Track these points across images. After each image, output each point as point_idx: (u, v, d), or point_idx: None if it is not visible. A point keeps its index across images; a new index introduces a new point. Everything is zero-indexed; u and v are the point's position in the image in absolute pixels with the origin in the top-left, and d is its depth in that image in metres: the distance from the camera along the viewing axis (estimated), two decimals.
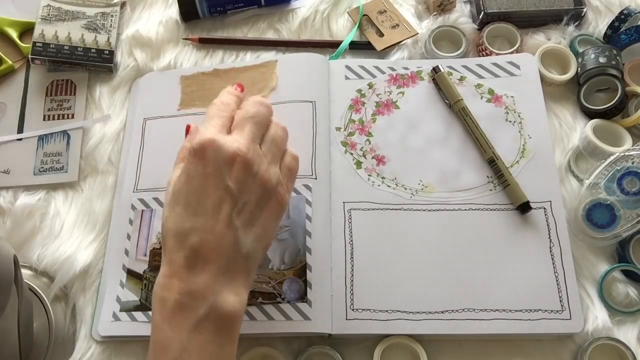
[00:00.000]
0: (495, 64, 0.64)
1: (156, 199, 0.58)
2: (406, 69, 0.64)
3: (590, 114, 0.62)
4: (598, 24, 0.68)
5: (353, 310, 0.52)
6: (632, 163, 0.56)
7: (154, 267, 0.55)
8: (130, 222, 0.57)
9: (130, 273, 0.55)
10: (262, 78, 0.63)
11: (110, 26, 0.68)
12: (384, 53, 0.67)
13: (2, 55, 0.67)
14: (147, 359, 0.41)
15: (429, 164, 0.59)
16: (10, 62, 0.67)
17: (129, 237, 0.57)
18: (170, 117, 0.63)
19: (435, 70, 0.63)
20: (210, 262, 0.42)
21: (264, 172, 0.45)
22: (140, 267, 0.55)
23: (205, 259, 0.42)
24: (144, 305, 0.54)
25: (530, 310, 0.52)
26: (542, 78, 0.63)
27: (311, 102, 0.61)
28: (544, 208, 0.56)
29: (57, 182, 0.61)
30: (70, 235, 0.58)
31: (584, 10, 0.67)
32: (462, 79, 0.63)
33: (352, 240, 0.55)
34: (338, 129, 0.61)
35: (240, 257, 0.44)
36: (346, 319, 0.52)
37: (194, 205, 0.43)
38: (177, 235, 0.42)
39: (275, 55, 0.67)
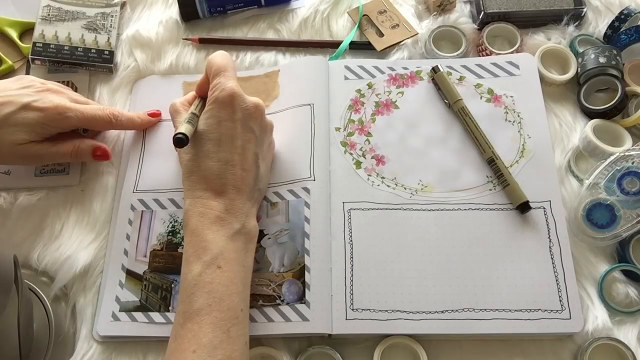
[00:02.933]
0: (495, 64, 0.64)
1: (156, 200, 0.58)
2: (405, 69, 0.64)
3: (590, 114, 0.62)
4: (598, 24, 0.68)
5: (353, 310, 0.52)
6: (632, 163, 0.56)
7: (155, 268, 0.55)
8: (130, 222, 0.58)
9: (130, 273, 0.55)
10: (265, 88, 0.64)
11: (110, 26, 0.68)
12: (384, 53, 0.67)
13: (2, 55, 0.67)
14: (185, 256, 0.48)
15: (428, 164, 0.59)
16: (10, 62, 0.67)
17: (128, 237, 0.57)
18: (171, 120, 0.62)
19: (435, 70, 0.63)
20: (241, 191, 0.51)
21: (269, 120, 0.56)
22: (140, 268, 0.55)
23: (238, 189, 0.51)
24: (143, 306, 0.54)
25: (530, 310, 0.52)
26: (542, 78, 0.63)
27: (309, 104, 0.61)
28: (544, 208, 0.56)
29: (59, 185, 0.61)
30: (71, 235, 0.58)
31: (584, 10, 0.67)
32: (461, 78, 0.63)
33: (351, 240, 0.55)
34: (337, 129, 0.61)
35: (256, 190, 0.53)
36: (346, 319, 0.52)
37: (226, 143, 0.51)
38: (211, 168, 0.50)
39: (275, 55, 0.67)
